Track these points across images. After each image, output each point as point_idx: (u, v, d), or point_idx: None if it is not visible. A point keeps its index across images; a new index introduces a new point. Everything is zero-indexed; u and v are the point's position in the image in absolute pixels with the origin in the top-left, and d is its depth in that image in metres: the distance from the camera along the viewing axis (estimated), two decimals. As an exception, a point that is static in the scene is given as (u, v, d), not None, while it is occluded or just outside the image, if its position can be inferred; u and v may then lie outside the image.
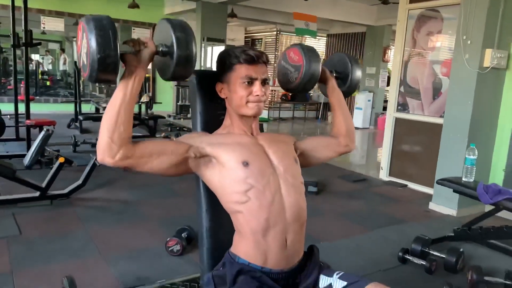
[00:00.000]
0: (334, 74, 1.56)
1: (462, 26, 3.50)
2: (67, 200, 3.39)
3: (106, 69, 1.00)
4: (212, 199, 1.30)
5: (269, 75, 1.35)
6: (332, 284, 1.23)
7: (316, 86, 1.53)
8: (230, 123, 1.32)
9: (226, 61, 1.26)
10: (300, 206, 1.25)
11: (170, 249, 2.51)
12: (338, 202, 3.87)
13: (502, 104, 3.66)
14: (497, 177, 3.69)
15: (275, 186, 1.21)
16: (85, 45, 1.01)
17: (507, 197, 2.57)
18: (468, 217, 3.51)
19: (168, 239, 2.55)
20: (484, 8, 3.39)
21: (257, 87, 1.24)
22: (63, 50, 14.51)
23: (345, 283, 1.21)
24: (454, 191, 2.95)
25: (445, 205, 3.69)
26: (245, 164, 1.19)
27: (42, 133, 3.36)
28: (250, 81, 1.23)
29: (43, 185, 3.27)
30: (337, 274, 1.25)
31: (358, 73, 1.59)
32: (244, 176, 1.18)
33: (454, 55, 3.64)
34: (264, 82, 1.25)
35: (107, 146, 1.05)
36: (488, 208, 3.02)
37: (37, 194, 3.28)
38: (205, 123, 1.40)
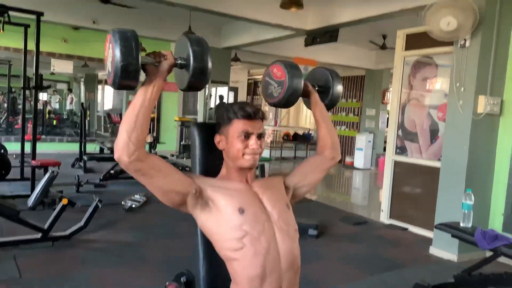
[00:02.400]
0: (317, 88, 1.64)
1: (455, 74, 3.63)
2: (68, 241, 3.41)
3: (128, 76, 1.11)
4: (209, 246, 1.35)
5: (265, 129, 1.43)
6: None
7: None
8: (226, 172, 1.39)
9: (225, 116, 1.35)
10: (294, 254, 1.29)
11: (169, 294, 2.50)
12: (339, 246, 3.86)
13: (498, 149, 3.73)
14: (496, 221, 3.71)
15: (270, 233, 1.26)
16: (111, 54, 1.12)
17: (505, 243, 2.60)
18: (468, 262, 3.49)
19: (167, 283, 2.54)
20: (475, 57, 3.53)
21: (253, 141, 1.31)
22: (70, 90, 14.87)
23: None
24: (453, 236, 2.97)
25: (445, 249, 3.68)
26: (241, 211, 1.25)
27: (47, 174, 3.43)
28: (247, 135, 1.31)
29: (45, 226, 3.31)
30: None
31: (339, 87, 1.67)
32: (240, 223, 1.23)
33: (449, 101, 3.76)
34: (260, 136, 1.34)
35: (125, 145, 1.13)
36: (489, 253, 3.03)
37: (39, 235, 3.30)
38: (203, 171, 1.48)
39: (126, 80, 1.12)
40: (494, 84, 3.59)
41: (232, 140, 1.33)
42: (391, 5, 4.58)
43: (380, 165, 8.89)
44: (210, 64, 1.23)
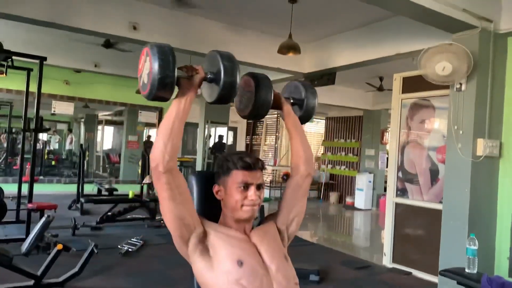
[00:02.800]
0: (291, 101, 1.64)
1: (453, 117, 3.66)
2: (61, 289, 3.30)
3: (164, 88, 1.18)
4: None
5: (264, 180, 1.42)
6: None
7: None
8: (224, 223, 1.36)
9: (224, 166, 1.34)
10: None
11: None
12: (341, 292, 3.74)
13: (499, 191, 3.70)
14: (502, 266, 3.61)
15: None
16: (148, 67, 1.18)
17: (512, 291, 2.51)
18: (476, 309, 3.38)
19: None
20: (472, 100, 3.57)
21: (252, 192, 1.30)
22: (70, 130, 14.95)
23: None
24: (458, 283, 2.88)
25: (451, 296, 3.56)
26: (240, 263, 1.21)
27: (43, 219, 3.37)
28: (246, 186, 1.30)
29: (39, 273, 3.21)
30: None
31: (312, 100, 1.66)
32: (238, 277, 1.19)
33: (448, 144, 3.76)
34: (259, 187, 1.32)
35: (161, 155, 1.18)
36: (496, 301, 2.92)
37: (31, 282, 3.20)
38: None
39: (162, 92, 1.19)
40: (492, 127, 3.61)
41: (231, 191, 1.31)
42: (386, 50, 4.69)
43: (381, 205, 8.82)
44: (238, 79, 1.29)
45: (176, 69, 1.20)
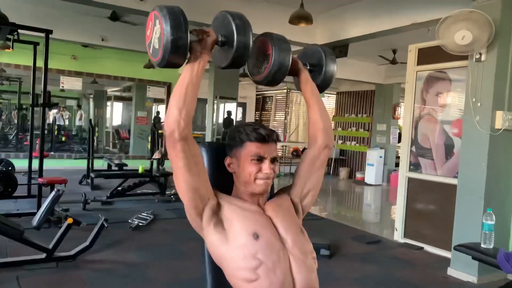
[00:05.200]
0: (308, 67, 1.51)
1: (471, 89, 3.53)
2: (73, 262, 3.32)
3: (178, 51, 1.11)
4: (217, 271, 1.26)
5: (278, 153, 1.35)
6: None
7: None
8: (236, 196, 1.30)
9: (236, 137, 1.27)
10: (312, 286, 1.19)
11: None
12: (352, 267, 3.71)
13: (517, 165, 3.59)
14: (517, 241, 3.54)
15: (286, 264, 1.16)
16: (158, 30, 1.11)
17: (531, 266, 2.44)
18: (489, 284, 3.34)
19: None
20: (491, 71, 3.42)
21: (266, 165, 1.24)
22: (79, 107, 14.98)
23: None
24: (473, 258, 2.82)
25: (464, 271, 3.52)
26: (255, 236, 1.16)
27: (53, 193, 3.36)
28: (260, 159, 1.24)
29: (50, 246, 3.22)
30: None
31: (332, 66, 1.53)
32: (254, 251, 1.14)
33: (465, 117, 3.64)
34: (274, 160, 1.25)
35: (176, 121, 1.13)
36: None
37: (43, 256, 3.22)
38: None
39: (174, 56, 1.12)
40: (512, 99, 3.48)
41: (244, 163, 1.25)
42: (402, 20, 4.51)
43: (392, 181, 8.75)
44: (251, 38, 1.23)
45: (188, 31, 1.12)
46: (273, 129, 1.32)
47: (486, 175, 3.43)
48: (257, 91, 12.17)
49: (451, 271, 3.62)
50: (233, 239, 1.16)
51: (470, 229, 3.46)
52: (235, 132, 1.28)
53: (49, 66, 4.71)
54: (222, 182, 1.37)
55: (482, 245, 2.78)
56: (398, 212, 4.68)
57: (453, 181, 3.95)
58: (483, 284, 3.36)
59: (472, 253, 2.77)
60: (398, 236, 4.62)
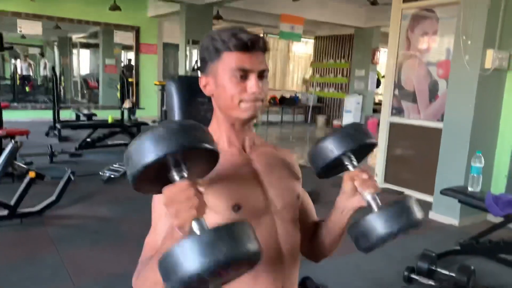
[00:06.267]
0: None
1: (462, 26, 3.31)
2: (39, 218, 3.09)
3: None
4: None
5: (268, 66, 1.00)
6: None
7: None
8: (217, 128, 1.02)
9: (211, 47, 0.96)
10: (297, 251, 1.02)
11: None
12: (334, 213, 3.64)
13: (503, 107, 3.48)
14: (499, 184, 3.51)
15: (269, 229, 0.95)
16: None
17: (520, 209, 2.38)
18: (470, 226, 3.33)
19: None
20: (484, 8, 3.21)
21: (252, 82, 0.93)
22: (42, 55, 14.12)
23: None
24: (460, 201, 2.76)
25: (446, 214, 3.50)
26: (236, 208, 0.91)
27: (10, 145, 3.05)
28: (244, 74, 0.93)
29: (12, 202, 2.97)
30: None
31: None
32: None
33: (453, 56, 3.46)
34: (262, 74, 0.95)
35: None
36: (493, 217, 2.84)
37: (5, 212, 2.97)
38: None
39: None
40: (504, 37, 3.30)
41: (223, 81, 0.94)
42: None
43: (370, 126, 8.70)
44: None
45: None
46: (258, 34, 0.99)
47: (473, 117, 3.32)
48: (232, 36, 11.64)
49: (432, 215, 3.59)
50: (210, 214, 0.91)
51: (453, 173, 3.40)
52: (209, 41, 0.96)
53: (3, 8, 4.21)
54: (196, 116, 1.13)
55: (469, 189, 2.71)
56: (379, 157, 4.60)
57: (437, 124, 3.85)
58: (464, 226, 3.36)
59: (459, 196, 2.71)
60: (378, 181, 4.57)
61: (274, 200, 0.99)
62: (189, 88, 1.18)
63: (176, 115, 1.18)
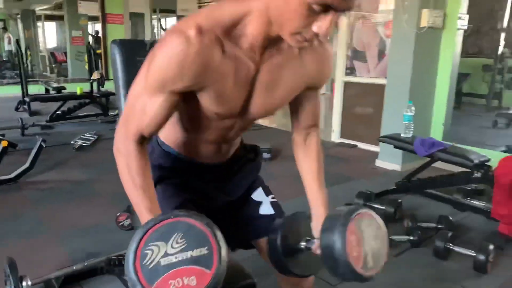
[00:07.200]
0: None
1: (400, -13, 3.58)
2: (15, 185, 3.31)
3: None
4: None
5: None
6: (263, 203, 1.23)
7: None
8: (250, 27, 0.85)
9: None
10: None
11: (120, 223, 2.53)
12: (290, 166, 3.89)
13: (440, 62, 3.82)
14: (437, 131, 3.91)
15: (228, 124, 1.04)
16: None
17: (440, 148, 2.76)
18: (410, 171, 3.72)
19: (118, 214, 2.57)
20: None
21: (328, 21, 0.75)
22: (5, 29, 13.69)
23: (273, 212, 1.21)
24: (395, 147, 3.12)
25: (390, 161, 3.88)
26: (215, 117, 0.98)
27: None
28: (324, 8, 0.74)
29: (-13, 170, 3.18)
30: (271, 198, 1.25)
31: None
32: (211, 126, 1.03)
33: (394, 16, 3.75)
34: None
35: None
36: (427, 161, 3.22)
37: (-18, 180, 3.19)
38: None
39: None
40: (438, -3, 3.59)
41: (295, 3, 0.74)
42: None
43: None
44: None
45: None
46: None
47: (411, 72, 3.65)
48: (199, 3, 11.57)
49: (378, 162, 3.99)
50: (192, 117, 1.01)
51: (395, 123, 3.73)
52: None
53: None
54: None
55: (402, 135, 3.06)
56: (335, 115, 4.94)
57: (384, 81, 4.17)
58: (406, 171, 3.73)
59: (394, 142, 3.06)
60: (335, 137, 4.94)
61: (252, 110, 0.98)
62: (132, 50, 1.42)
63: (120, 74, 1.42)
